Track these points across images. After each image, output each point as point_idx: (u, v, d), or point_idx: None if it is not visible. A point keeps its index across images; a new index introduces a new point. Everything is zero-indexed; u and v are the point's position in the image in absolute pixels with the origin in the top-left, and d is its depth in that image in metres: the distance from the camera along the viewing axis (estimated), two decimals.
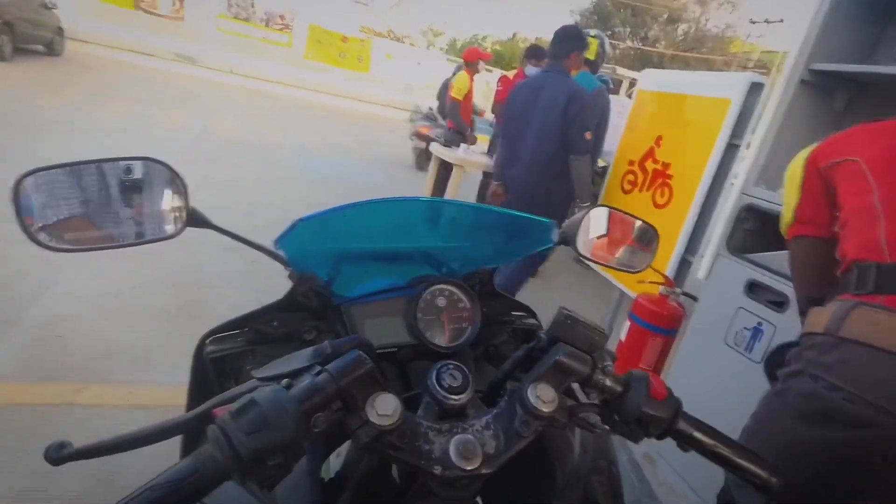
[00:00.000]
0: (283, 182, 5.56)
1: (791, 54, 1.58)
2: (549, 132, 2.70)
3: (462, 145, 4.96)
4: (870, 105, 1.63)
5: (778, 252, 1.64)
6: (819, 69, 1.52)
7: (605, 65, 4.07)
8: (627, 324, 2.26)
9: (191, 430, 0.52)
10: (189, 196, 0.67)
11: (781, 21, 24.64)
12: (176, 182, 0.66)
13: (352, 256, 0.77)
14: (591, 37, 3.38)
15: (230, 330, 0.73)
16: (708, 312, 1.84)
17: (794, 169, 1.07)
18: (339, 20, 17.27)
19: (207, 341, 0.71)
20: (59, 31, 10.06)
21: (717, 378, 1.75)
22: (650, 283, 2.24)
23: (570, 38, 2.82)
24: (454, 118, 5.34)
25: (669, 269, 2.35)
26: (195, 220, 0.66)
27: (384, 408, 0.48)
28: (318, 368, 0.49)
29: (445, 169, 5.15)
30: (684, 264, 2.38)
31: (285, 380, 0.48)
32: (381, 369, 0.63)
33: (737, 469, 0.57)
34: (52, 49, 9.88)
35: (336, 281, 0.76)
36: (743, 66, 23.39)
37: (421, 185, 6.02)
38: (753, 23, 24.71)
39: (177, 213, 0.66)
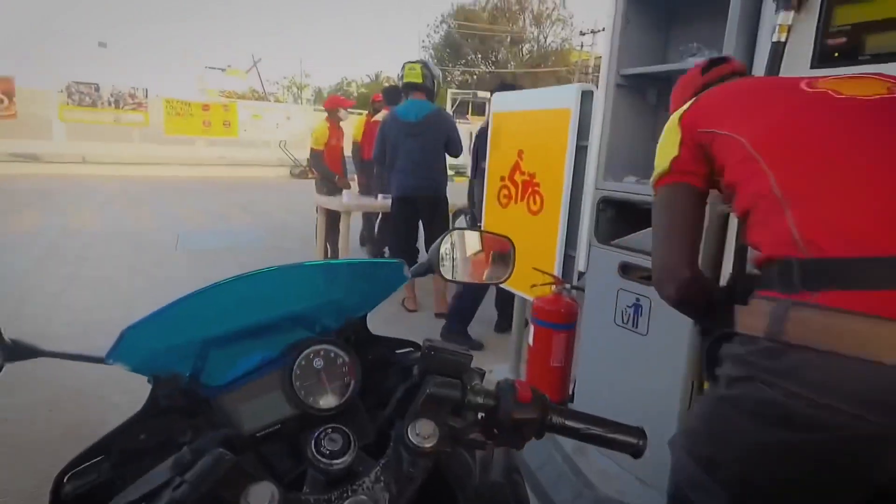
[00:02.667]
0: (162, 264, 5.24)
1: (603, 63, 1.82)
2: None
3: (345, 192, 4.98)
4: None
5: (638, 232, 1.85)
6: (628, 73, 1.78)
7: (454, 89, 4.53)
8: (532, 328, 2.39)
9: None
10: (2, 329, 0.61)
11: (604, 30, 27.91)
12: None
13: (212, 343, 0.72)
14: (413, 62, 3.91)
15: (91, 458, 0.64)
16: (594, 300, 2.01)
17: (671, 128, 1.04)
18: (193, 90, 16.45)
19: (65, 479, 0.62)
20: None
21: (615, 357, 1.91)
22: (542, 285, 2.39)
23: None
24: (317, 167, 5.47)
25: (556, 268, 2.53)
26: (17, 352, 0.61)
27: (259, 499, 0.46)
28: (179, 480, 0.46)
29: (331, 217, 5.15)
30: (569, 260, 2.58)
31: None
32: (261, 454, 0.60)
33: (610, 443, 0.61)
34: None
35: (203, 372, 0.71)
36: (584, 73, 26.00)
37: (302, 239, 5.96)
38: (583, 34, 27.61)
39: None
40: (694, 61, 1.61)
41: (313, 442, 0.55)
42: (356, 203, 4.80)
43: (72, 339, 3.26)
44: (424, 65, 3.90)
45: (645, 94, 1.90)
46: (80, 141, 13.75)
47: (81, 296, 4.06)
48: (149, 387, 0.67)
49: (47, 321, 3.54)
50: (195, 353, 0.71)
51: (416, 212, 4.01)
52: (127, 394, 2.55)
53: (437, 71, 3.98)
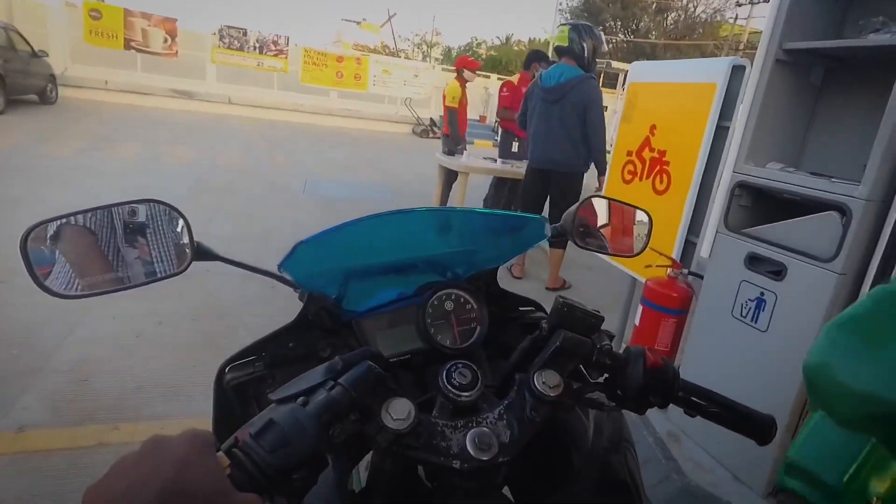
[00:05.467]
0: (291, 206, 5.66)
1: (764, 35, 1.67)
2: None
3: (465, 153, 5.08)
4: (846, 78, 1.71)
5: (774, 224, 1.72)
6: (792, 48, 1.61)
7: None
8: (640, 308, 2.34)
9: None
10: (192, 231, 0.68)
11: (767, 0, 24.53)
12: (179, 219, 0.68)
13: (358, 272, 0.78)
14: (564, 24, 3.71)
15: (247, 356, 0.72)
16: (713, 289, 1.92)
17: None
18: (329, 40, 16.58)
19: (226, 370, 0.71)
20: (52, 78, 10.08)
21: (727, 350, 1.83)
22: (657, 266, 2.32)
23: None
24: (452, 126, 5.44)
25: (675, 252, 2.43)
26: (201, 253, 0.68)
27: (398, 412, 0.50)
28: (332, 383, 0.50)
29: (450, 177, 5.28)
30: (689, 245, 2.46)
31: (301, 398, 0.49)
32: (394, 376, 0.66)
33: (737, 425, 0.60)
34: (45, 97, 9.88)
35: (346, 297, 0.77)
36: (735, 49, 23.27)
37: (427, 198, 6.14)
38: (740, 5, 24.53)
39: (183, 249, 0.68)
40: (875, 38, 1.44)
41: (445, 373, 0.58)
42: (475, 165, 4.87)
43: (215, 267, 3.96)
44: (573, 27, 3.59)
45: (809, 72, 1.72)
46: (227, 83, 14.63)
47: (224, 226, 4.51)
48: (278, 311, 0.74)
49: None
50: (341, 279, 0.77)
51: (547, 185, 3.83)
52: (256, 317, 2.97)
53: (593, 37, 3.61)
